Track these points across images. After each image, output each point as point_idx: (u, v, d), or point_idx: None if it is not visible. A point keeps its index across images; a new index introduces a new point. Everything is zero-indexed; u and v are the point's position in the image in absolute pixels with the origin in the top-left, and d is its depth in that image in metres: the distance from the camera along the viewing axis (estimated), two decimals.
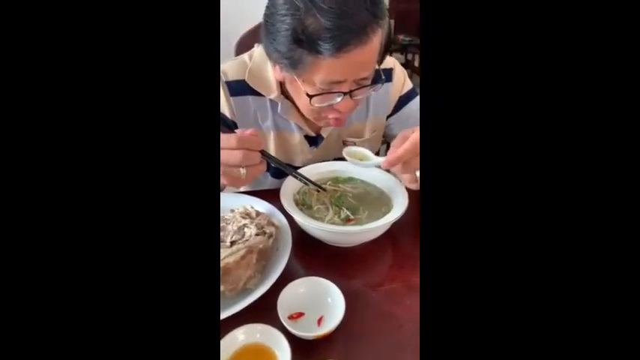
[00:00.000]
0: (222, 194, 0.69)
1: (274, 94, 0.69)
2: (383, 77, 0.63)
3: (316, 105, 0.60)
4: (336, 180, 0.70)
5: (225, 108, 0.71)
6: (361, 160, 0.63)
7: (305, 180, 0.64)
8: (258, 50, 0.71)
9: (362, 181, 0.70)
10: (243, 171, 0.50)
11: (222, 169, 0.51)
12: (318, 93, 0.58)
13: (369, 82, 0.60)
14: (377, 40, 0.55)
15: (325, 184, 0.68)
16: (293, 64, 0.57)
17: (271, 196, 0.65)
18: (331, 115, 0.64)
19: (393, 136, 0.66)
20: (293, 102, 0.69)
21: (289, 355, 0.40)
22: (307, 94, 0.59)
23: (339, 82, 0.57)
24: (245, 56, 0.72)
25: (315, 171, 0.69)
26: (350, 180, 0.71)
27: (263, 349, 0.42)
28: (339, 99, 0.59)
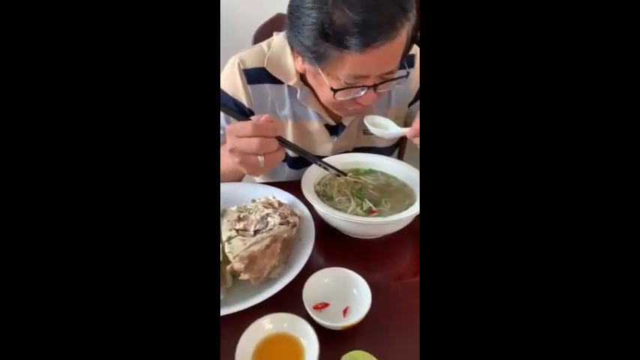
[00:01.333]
0: (242, 184, 0.69)
1: (293, 80, 0.68)
2: (407, 70, 0.61)
3: (339, 99, 0.59)
4: (356, 172, 0.69)
5: (242, 96, 0.70)
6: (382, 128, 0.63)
7: (325, 165, 0.63)
8: (277, 38, 0.71)
9: (382, 173, 0.69)
10: (260, 158, 0.50)
11: (239, 157, 0.50)
12: (342, 87, 0.58)
13: (394, 75, 0.59)
14: (404, 33, 0.54)
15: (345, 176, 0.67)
16: (318, 59, 0.56)
17: (291, 187, 0.64)
18: (352, 107, 0.63)
19: None
20: (312, 89, 0.68)
21: (317, 345, 0.40)
22: (332, 89, 0.58)
23: (363, 77, 0.57)
24: (263, 44, 0.72)
25: (334, 162, 0.68)
26: (370, 172, 0.70)
27: (290, 338, 0.42)
28: (362, 92, 0.59)
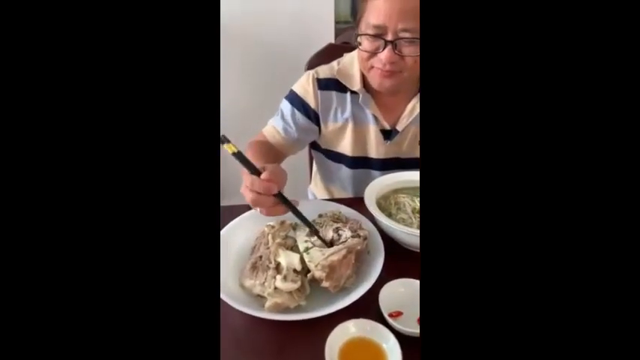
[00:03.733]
0: (308, 201, 0.74)
1: (358, 86, 0.79)
2: None
3: (362, 50, 0.69)
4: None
5: (311, 98, 0.83)
6: None
7: (307, 222, 0.60)
8: (347, 56, 0.84)
9: None
10: (257, 209, 0.56)
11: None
12: (363, 33, 0.68)
13: (409, 36, 0.65)
14: None
15: (404, 194, 0.71)
16: (354, 17, 0.68)
17: (353, 203, 0.69)
18: (376, 65, 0.70)
19: None
20: (373, 95, 0.79)
21: (399, 351, 0.43)
22: (356, 34, 0.69)
23: (382, 29, 0.65)
24: (334, 62, 0.85)
25: (405, 177, 0.75)
26: None
27: (372, 342, 0.45)
28: (381, 49, 0.67)
